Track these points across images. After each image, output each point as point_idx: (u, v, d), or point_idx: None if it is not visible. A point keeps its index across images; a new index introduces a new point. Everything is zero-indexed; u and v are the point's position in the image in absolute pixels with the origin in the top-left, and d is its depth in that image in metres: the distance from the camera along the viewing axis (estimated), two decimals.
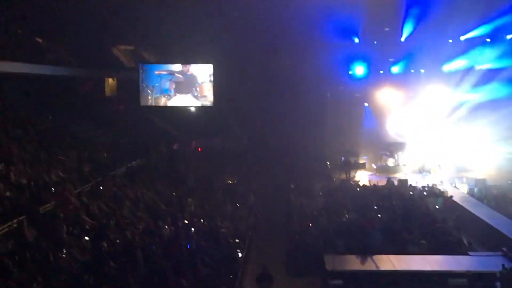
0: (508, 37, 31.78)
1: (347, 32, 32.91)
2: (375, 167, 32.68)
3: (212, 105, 32.56)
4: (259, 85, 34.06)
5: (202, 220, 19.43)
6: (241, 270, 16.48)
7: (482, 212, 21.69)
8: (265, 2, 30.33)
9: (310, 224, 19.98)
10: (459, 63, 32.72)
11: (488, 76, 32.01)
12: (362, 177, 30.52)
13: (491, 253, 16.93)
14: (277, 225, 21.80)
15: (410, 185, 26.59)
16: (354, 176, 30.62)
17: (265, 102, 34.26)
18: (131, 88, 32.63)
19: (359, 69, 34.50)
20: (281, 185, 26.96)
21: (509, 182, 27.56)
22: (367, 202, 22.30)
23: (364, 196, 23.68)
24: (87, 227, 15.51)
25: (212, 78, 32.47)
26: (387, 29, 33.01)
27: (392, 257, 16.81)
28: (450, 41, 32.53)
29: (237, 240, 18.24)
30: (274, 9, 30.23)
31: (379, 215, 20.53)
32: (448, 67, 33.09)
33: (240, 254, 17.33)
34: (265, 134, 34.15)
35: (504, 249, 16.59)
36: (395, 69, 34.35)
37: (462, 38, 32.39)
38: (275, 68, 33.62)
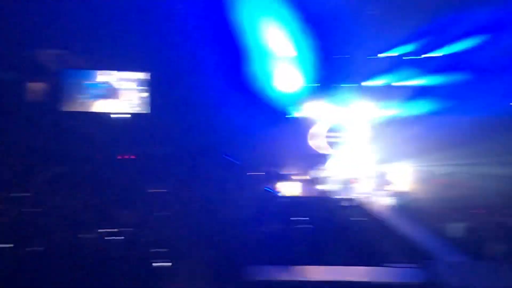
0: (423, 56, 33.11)
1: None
2: (300, 178, 32.95)
3: (148, 112, 32.15)
4: (195, 92, 33.70)
5: (124, 229, 19.05)
6: (160, 280, 16.18)
7: (400, 224, 22.24)
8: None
9: (234, 234, 19.87)
10: (379, 80, 33.66)
11: (408, 93, 33.11)
12: (287, 188, 30.71)
13: (409, 265, 17.24)
14: (202, 235, 21.54)
15: (334, 196, 26.99)
16: (279, 187, 30.79)
17: (201, 110, 33.90)
18: (58, 93, 31.76)
19: (288, 81, 34.73)
20: (209, 193, 26.74)
21: (429, 195, 28.36)
22: (291, 213, 22.43)
23: (288, 207, 23.81)
24: None
25: (147, 85, 32.06)
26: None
27: (314, 268, 16.89)
28: (371, 57, 33.48)
29: (159, 250, 17.94)
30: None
31: (302, 226, 20.69)
32: (368, 83, 33.95)
33: (161, 264, 17.03)
34: (198, 141, 33.73)
35: (421, 260, 16.92)
36: (323, 82, 34.83)
37: (381, 55, 33.38)
38: (212, 75, 33.35)
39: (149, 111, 33.20)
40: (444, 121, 32.03)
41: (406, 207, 25.91)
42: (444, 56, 33.42)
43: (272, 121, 34.56)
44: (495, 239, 18.74)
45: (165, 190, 26.69)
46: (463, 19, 31.44)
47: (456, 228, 20.73)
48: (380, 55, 33.63)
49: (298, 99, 34.47)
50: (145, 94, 32.78)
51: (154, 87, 33.21)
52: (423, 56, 33.55)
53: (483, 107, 31.74)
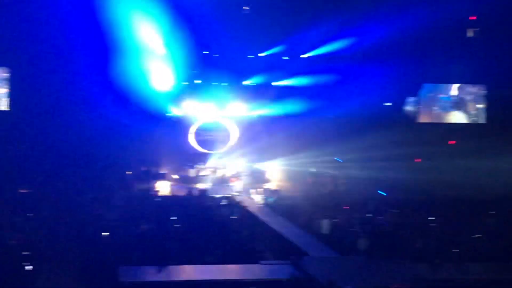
0: (303, 56, 34.20)
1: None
2: (176, 177, 32.87)
3: (8, 109, 30.67)
4: (63, 89, 32.52)
5: None
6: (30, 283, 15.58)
7: (274, 222, 22.84)
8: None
9: (106, 235, 19.48)
10: (258, 79, 34.31)
11: (284, 93, 34.06)
12: (163, 188, 30.56)
13: (281, 262, 17.74)
14: (72, 236, 20.91)
15: (209, 195, 27.18)
16: (155, 186, 30.54)
17: (70, 108, 32.77)
18: None
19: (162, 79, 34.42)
20: (78, 193, 25.98)
21: (301, 193, 29.30)
22: (165, 213, 22.34)
23: (163, 207, 23.70)
24: None
25: (6, 81, 30.62)
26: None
27: (188, 267, 16.95)
28: (251, 56, 34.06)
29: (27, 253, 17.23)
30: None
31: (176, 226, 20.68)
32: (248, 81, 34.48)
33: (29, 267, 16.38)
34: (65, 139, 32.59)
35: (293, 257, 17.46)
36: (198, 81, 34.83)
37: (262, 54, 34.03)
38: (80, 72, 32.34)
39: (9, 108, 31.75)
40: (315, 120, 33.30)
41: (279, 204, 26.58)
42: (317, 57, 34.64)
43: (147, 120, 34.11)
44: (361, 235, 19.68)
45: (30, 191, 25.63)
46: (335, 23, 32.85)
47: (325, 225, 21.55)
48: (260, 55, 34.22)
49: (175, 97, 34.29)
50: (4, 91, 31.24)
51: (14, 83, 31.70)
52: (301, 56, 34.59)
53: (355, 107, 33.33)
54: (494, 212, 22.07)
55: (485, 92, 36.22)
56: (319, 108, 33.81)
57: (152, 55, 32.54)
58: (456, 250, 17.76)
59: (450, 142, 35.65)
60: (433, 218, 21.82)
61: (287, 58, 34.72)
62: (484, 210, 22.75)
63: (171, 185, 31.53)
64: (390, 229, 20.73)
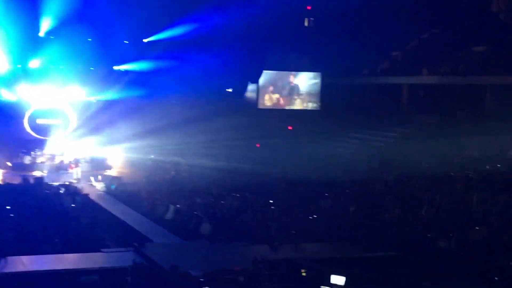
0: (145, 40, 33.90)
1: None
2: (9, 164, 31.34)
3: None
4: None
5: None
6: None
7: (116, 209, 22.60)
8: None
9: None
10: (98, 63, 33.52)
11: (126, 77, 33.67)
12: (3, 175, 29.13)
13: (123, 249, 17.64)
14: None
15: (46, 183, 26.26)
16: None
17: None
18: None
19: None
20: None
21: (143, 179, 29.20)
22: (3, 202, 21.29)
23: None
24: None
25: None
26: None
27: (25, 257, 16.30)
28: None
29: None
30: None
31: (11, 215, 19.80)
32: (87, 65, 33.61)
33: None
34: None
35: (136, 244, 17.45)
36: (34, 64, 33.28)
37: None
38: None
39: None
40: (158, 105, 33.32)
41: (121, 191, 26.29)
42: (160, 41, 34.52)
43: None
44: (204, 219, 20.07)
45: None
46: (177, 8, 32.80)
47: (168, 211, 21.67)
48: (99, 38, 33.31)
49: (7, 81, 32.59)
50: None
51: None
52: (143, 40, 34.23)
53: (198, 92, 33.75)
54: (327, 194, 23.43)
55: (321, 80, 38.27)
56: (161, 93, 33.85)
57: None
58: (294, 232, 18.69)
59: (289, 128, 37.37)
60: (272, 201, 22.72)
61: (127, 42, 34.25)
62: (319, 193, 24.08)
63: (4, 173, 30.03)
64: (232, 213, 21.32)
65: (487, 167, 23.81)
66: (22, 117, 32.88)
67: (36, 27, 31.89)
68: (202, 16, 33.56)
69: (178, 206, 22.14)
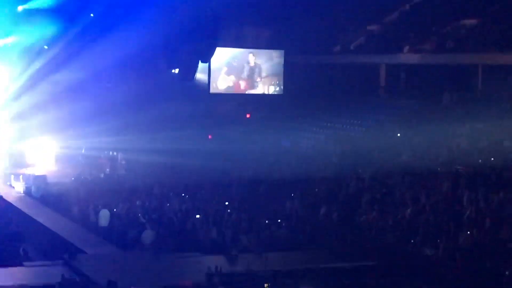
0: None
1: None
2: None
3: None
4: None
5: None
6: None
7: (41, 215, 22.28)
8: None
9: None
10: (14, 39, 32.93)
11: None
12: None
13: (50, 262, 17.43)
14: None
15: None
16: None
17: None
18: None
19: None
20: None
21: (72, 178, 28.81)
22: None
23: None
24: None
25: None
26: None
27: None
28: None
29: None
30: None
31: None
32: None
33: None
34: None
35: (66, 256, 17.24)
36: None
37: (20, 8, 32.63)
38: None
39: None
40: (88, 91, 32.88)
41: (46, 193, 25.89)
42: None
43: None
44: (146, 225, 19.93)
45: None
46: None
47: (102, 216, 21.36)
48: None
49: None
50: None
51: None
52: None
53: (136, 74, 33.41)
54: (293, 194, 23.47)
55: (284, 58, 38.21)
56: (93, 73, 33.48)
57: None
58: (254, 239, 18.72)
59: (246, 116, 37.34)
60: (228, 203, 22.71)
61: None
62: (284, 192, 24.12)
63: None
64: (180, 217, 21.21)
65: (479, 160, 24.11)
66: None
67: None
68: None
69: (114, 210, 21.96)
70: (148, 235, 19.35)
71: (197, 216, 21.03)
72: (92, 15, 33.62)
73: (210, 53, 35.69)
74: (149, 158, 30.52)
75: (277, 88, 38.51)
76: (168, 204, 23.00)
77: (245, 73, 38.20)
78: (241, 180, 26.83)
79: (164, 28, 32.59)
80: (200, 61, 36.33)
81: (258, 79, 38.35)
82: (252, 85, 38.43)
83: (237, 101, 37.58)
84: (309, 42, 36.87)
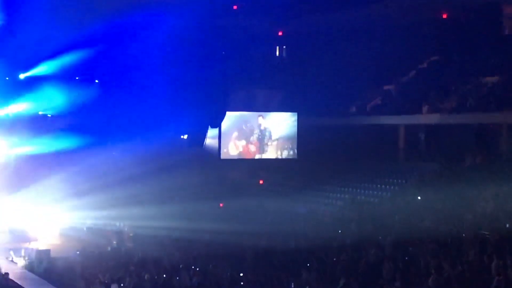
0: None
1: None
2: None
3: None
4: None
5: None
6: None
7: None
8: None
9: None
10: (16, 107, 33.41)
11: (52, 123, 33.49)
12: None
13: None
14: None
15: None
16: None
17: None
18: None
19: None
20: None
21: (77, 252, 28.81)
22: None
23: None
24: None
25: None
26: None
27: None
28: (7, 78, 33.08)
29: None
30: None
31: None
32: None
33: None
34: None
35: None
36: None
37: (22, 76, 33.19)
38: None
39: None
40: (91, 157, 33.06)
41: (50, 269, 25.87)
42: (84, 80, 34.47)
43: None
44: None
45: None
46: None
47: None
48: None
49: None
50: None
51: None
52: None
53: (147, 140, 33.59)
54: (310, 265, 23.30)
55: (297, 121, 38.35)
56: (99, 141, 33.75)
57: None
58: None
59: (260, 182, 37.35)
60: (242, 274, 22.61)
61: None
62: (301, 263, 23.95)
63: None
64: None
65: (507, 225, 23.95)
66: None
67: None
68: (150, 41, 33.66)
69: (122, 285, 21.89)
70: None
71: None
72: (96, 81, 34.19)
73: (220, 118, 36.07)
74: (157, 230, 30.58)
75: (291, 152, 38.54)
76: (177, 278, 22.92)
77: (256, 137, 38.34)
78: (255, 251, 26.73)
79: (172, 93, 33.07)
80: (209, 126, 36.72)
81: (269, 143, 38.43)
82: (263, 150, 38.52)
83: (249, 167, 37.67)
84: (324, 103, 37.08)
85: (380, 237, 25.52)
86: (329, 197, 34.49)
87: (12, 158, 33.82)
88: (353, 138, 36.73)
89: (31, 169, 33.07)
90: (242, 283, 21.91)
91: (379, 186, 33.57)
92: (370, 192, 33.34)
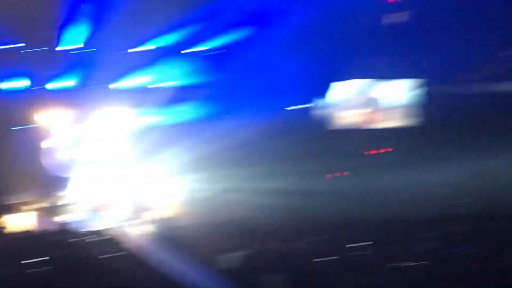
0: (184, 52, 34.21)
1: None
2: (32, 208, 31.89)
3: None
4: None
5: None
6: None
7: (165, 258, 22.48)
8: None
9: None
10: (137, 80, 33.96)
11: (174, 95, 33.91)
12: (18, 221, 29.92)
13: None
14: None
15: (78, 229, 26.62)
16: (6, 221, 29.58)
17: None
18: None
19: (17, 82, 33.43)
20: None
21: (196, 219, 29.07)
22: (21, 254, 21.61)
23: (17, 246, 23.22)
24: None
25: None
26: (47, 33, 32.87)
27: None
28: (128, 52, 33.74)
29: None
30: None
31: (38, 270, 20.07)
32: (121, 83, 34.05)
33: None
34: None
35: None
36: (56, 84, 33.98)
37: (136, 50, 33.83)
38: None
39: None
40: (213, 128, 33.32)
41: (170, 236, 26.21)
42: (208, 51, 34.75)
43: None
44: (272, 268, 19.62)
45: None
46: (228, 9, 33.01)
47: (229, 258, 21.34)
48: (131, 50, 33.85)
49: (25, 104, 33.40)
50: None
51: None
52: (183, 51, 34.49)
53: (257, 111, 33.63)
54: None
55: (420, 89, 37.35)
56: (214, 114, 33.98)
57: None
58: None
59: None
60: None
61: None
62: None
63: (24, 218, 30.62)
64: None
65: None
66: (49, 148, 33.51)
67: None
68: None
69: (241, 253, 21.80)
70: (274, 279, 19.01)
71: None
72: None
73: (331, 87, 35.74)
74: (274, 200, 30.53)
75: (413, 120, 37.45)
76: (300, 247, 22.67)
77: (374, 106, 37.56)
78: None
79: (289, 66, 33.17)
80: (325, 94, 36.44)
81: (390, 112, 37.54)
82: (384, 119, 37.64)
83: (362, 136, 37.03)
84: (447, 71, 35.96)
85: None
86: (454, 166, 33.44)
87: (139, 128, 34.39)
88: (479, 106, 35.43)
89: (156, 140, 33.52)
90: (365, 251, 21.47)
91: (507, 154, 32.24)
92: (498, 161, 32.14)
